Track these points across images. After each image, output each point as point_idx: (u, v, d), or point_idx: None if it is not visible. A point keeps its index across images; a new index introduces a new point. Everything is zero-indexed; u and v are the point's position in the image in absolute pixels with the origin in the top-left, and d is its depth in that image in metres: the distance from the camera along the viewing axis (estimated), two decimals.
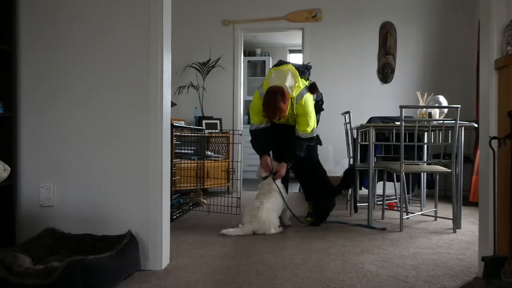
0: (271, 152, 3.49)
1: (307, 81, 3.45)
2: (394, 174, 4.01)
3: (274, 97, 3.12)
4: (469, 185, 4.52)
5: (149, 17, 2.24)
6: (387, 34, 5.54)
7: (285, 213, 3.38)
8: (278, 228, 3.16)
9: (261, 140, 3.46)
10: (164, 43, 2.26)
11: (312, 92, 3.34)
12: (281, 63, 3.51)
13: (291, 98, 3.22)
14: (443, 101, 3.69)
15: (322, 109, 3.66)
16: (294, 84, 3.23)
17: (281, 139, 3.52)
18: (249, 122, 3.73)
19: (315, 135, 3.42)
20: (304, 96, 3.25)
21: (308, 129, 3.31)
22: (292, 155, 3.37)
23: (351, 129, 4.06)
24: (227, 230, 3.05)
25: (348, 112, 4.05)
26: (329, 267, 2.28)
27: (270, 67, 7.69)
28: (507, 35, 2.01)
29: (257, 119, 3.39)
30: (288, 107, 3.21)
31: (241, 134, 4.73)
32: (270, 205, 3.16)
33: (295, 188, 5.50)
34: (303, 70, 3.47)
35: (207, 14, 5.76)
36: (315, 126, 3.41)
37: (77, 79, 2.33)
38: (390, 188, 4.67)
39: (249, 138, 3.53)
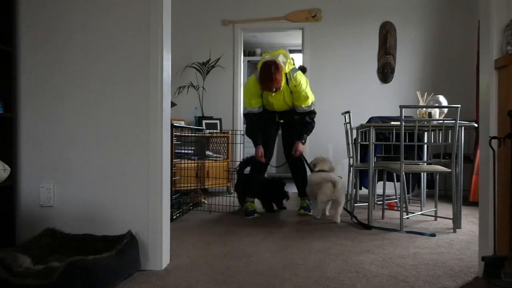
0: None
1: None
2: (394, 174, 4.01)
3: (269, 69, 3.48)
4: (469, 185, 4.52)
5: (149, 17, 2.24)
6: (387, 34, 5.54)
7: None
8: None
9: (255, 130, 3.81)
10: (164, 43, 2.26)
11: (303, 72, 3.72)
12: None
13: (286, 74, 3.55)
14: (443, 101, 3.69)
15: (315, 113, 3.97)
16: (286, 60, 3.59)
17: (285, 128, 3.96)
18: None
19: (313, 108, 3.77)
20: (298, 71, 3.63)
21: (308, 101, 3.68)
22: (301, 134, 3.80)
23: (351, 129, 4.06)
24: None
25: (348, 112, 4.05)
26: (329, 267, 2.28)
27: None
28: (507, 35, 2.01)
29: (251, 102, 3.70)
30: (283, 82, 3.55)
31: (243, 134, 4.72)
32: None
33: (294, 188, 5.48)
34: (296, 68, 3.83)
35: (207, 14, 5.77)
36: (314, 99, 3.76)
37: (76, 79, 2.33)
38: (390, 188, 4.67)
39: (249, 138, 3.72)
